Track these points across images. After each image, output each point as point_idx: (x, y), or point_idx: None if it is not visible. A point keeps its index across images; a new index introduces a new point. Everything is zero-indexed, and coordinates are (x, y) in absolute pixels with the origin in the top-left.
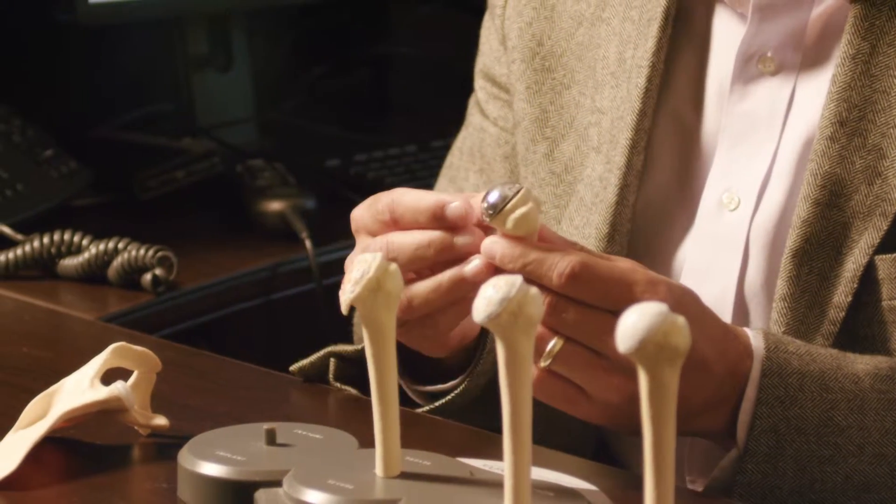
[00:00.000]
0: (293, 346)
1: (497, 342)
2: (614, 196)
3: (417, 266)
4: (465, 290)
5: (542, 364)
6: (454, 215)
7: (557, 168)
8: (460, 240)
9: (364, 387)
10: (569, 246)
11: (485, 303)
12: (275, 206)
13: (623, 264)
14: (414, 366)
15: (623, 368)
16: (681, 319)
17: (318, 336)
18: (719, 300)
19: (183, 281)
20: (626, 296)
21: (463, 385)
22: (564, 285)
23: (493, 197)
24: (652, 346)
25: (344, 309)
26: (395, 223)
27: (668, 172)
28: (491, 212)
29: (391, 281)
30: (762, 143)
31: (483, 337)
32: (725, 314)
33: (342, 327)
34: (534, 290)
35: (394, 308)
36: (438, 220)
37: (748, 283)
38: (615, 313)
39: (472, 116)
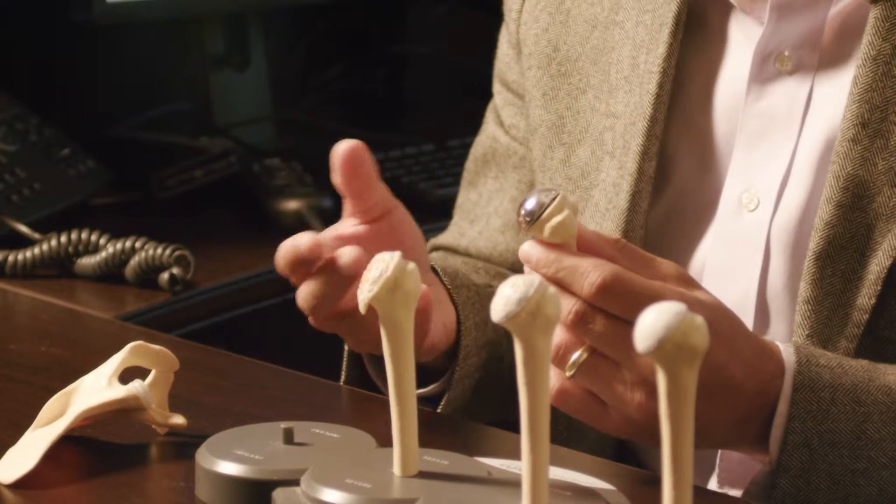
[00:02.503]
0: (310, 345)
1: (515, 342)
2: (626, 202)
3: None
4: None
5: (567, 374)
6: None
7: (574, 174)
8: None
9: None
10: (609, 245)
11: (503, 302)
12: (291, 205)
13: (666, 269)
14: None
15: (646, 385)
16: (699, 319)
17: (334, 336)
18: (741, 302)
19: (200, 280)
20: None
21: (445, 393)
22: (594, 295)
23: (530, 205)
24: (671, 346)
25: (362, 308)
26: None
27: (686, 176)
28: (528, 219)
29: (409, 280)
30: (780, 142)
31: (457, 345)
32: (747, 316)
33: None
34: (552, 289)
35: (412, 307)
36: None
37: (770, 284)
38: None
39: (488, 122)
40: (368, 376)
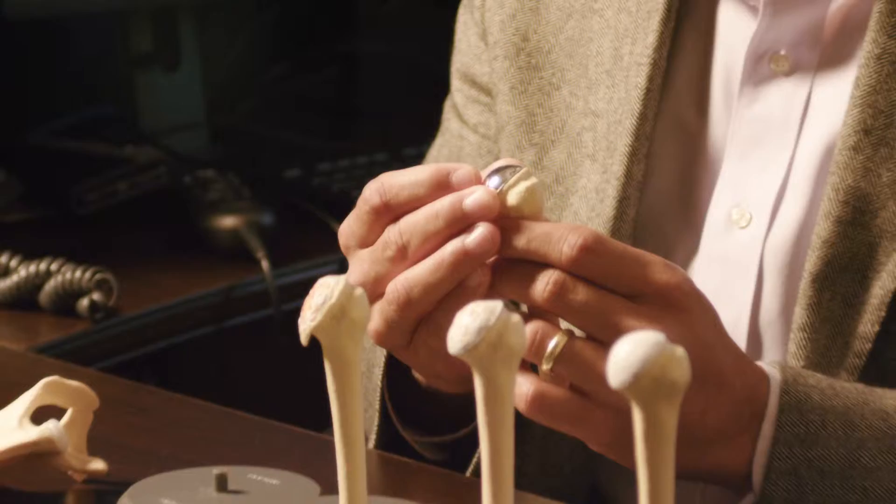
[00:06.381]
0: (249, 379)
1: (475, 376)
2: (612, 210)
3: (431, 248)
4: (471, 268)
5: (545, 366)
6: (462, 181)
7: (547, 178)
8: (471, 201)
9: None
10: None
11: (461, 332)
12: (228, 222)
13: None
14: (414, 411)
15: None
16: (679, 351)
17: (277, 369)
18: (731, 329)
19: (124, 307)
20: (640, 276)
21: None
22: (575, 259)
23: (494, 182)
24: (648, 381)
25: (303, 339)
26: (388, 208)
27: (669, 183)
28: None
29: (357, 308)
30: (776, 151)
31: None
32: (739, 344)
33: (303, 359)
34: (516, 317)
35: (359, 338)
36: (444, 189)
37: (764, 310)
38: (628, 298)
39: (449, 122)
40: (402, 440)
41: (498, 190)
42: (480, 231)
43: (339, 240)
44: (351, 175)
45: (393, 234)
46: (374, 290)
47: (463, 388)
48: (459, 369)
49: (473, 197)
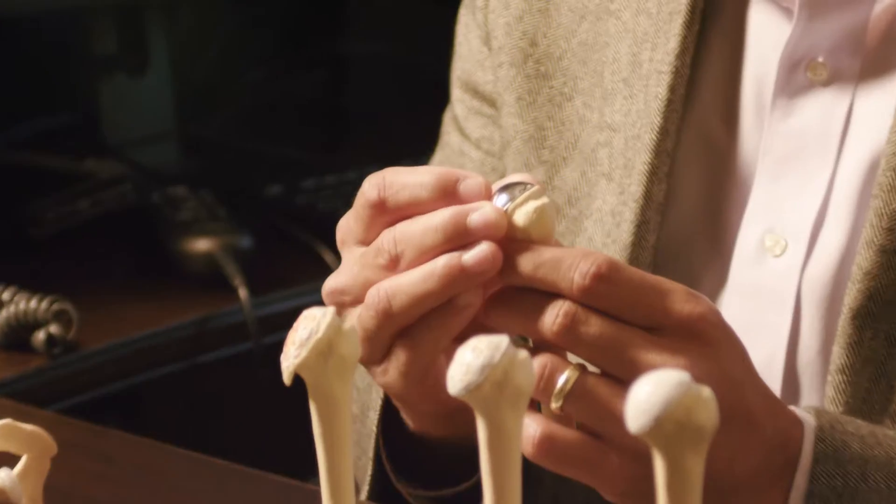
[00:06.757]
0: (224, 422)
1: (478, 419)
2: (630, 235)
3: (425, 260)
4: (463, 287)
5: (554, 405)
6: (470, 193)
7: (559, 199)
8: (476, 218)
9: None
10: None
11: (462, 370)
12: (201, 245)
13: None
14: (412, 460)
15: None
16: (706, 391)
17: (257, 410)
18: (764, 371)
19: (85, 340)
20: (660, 306)
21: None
22: (588, 288)
23: (502, 200)
24: (671, 425)
25: (286, 378)
26: (386, 206)
27: (693, 205)
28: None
29: (346, 343)
30: (814, 171)
31: None
32: (773, 386)
33: (285, 400)
34: (523, 354)
35: (349, 377)
36: (449, 197)
37: (801, 348)
38: (647, 330)
39: (449, 136)
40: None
41: (505, 208)
42: (482, 249)
43: (336, 234)
44: (339, 192)
45: (387, 240)
46: (360, 296)
47: (452, 432)
48: (438, 403)
49: (480, 214)
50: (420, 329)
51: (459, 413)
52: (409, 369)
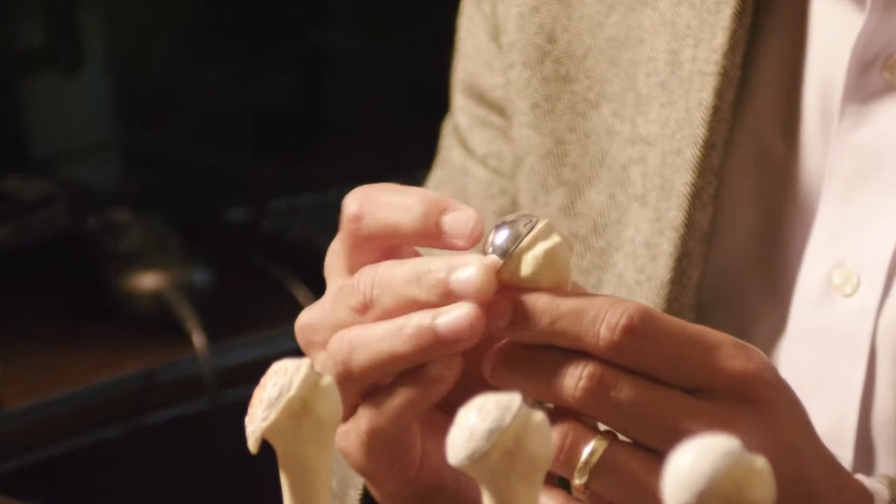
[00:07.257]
0: (175, 495)
1: (484, 496)
2: (668, 271)
3: (401, 313)
4: (435, 354)
5: (577, 481)
6: (455, 231)
7: (582, 228)
8: (457, 280)
9: None
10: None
11: (465, 436)
12: (148, 281)
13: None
14: None
15: None
16: (760, 462)
17: (214, 481)
18: (834, 429)
19: (7, 398)
20: (705, 363)
21: None
22: (618, 344)
23: (502, 238)
24: (718, 503)
25: (252, 445)
26: (361, 224)
27: (746, 234)
28: (500, 256)
29: (324, 402)
30: (891, 192)
31: None
32: (843, 450)
33: (250, 470)
34: (538, 416)
35: (328, 443)
36: (433, 232)
37: (877, 406)
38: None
39: (450, 151)
40: None
41: (509, 253)
42: (458, 314)
43: (325, 259)
44: (314, 217)
45: (365, 279)
46: (329, 338)
47: None
48: (407, 482)
49: (461, 275)
50: (386, 394)
51: (437, 497)
52: (371, 438)
